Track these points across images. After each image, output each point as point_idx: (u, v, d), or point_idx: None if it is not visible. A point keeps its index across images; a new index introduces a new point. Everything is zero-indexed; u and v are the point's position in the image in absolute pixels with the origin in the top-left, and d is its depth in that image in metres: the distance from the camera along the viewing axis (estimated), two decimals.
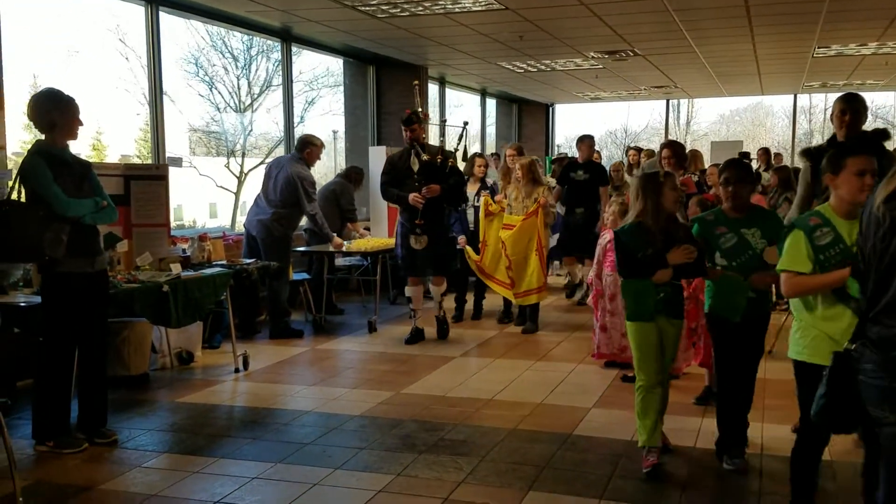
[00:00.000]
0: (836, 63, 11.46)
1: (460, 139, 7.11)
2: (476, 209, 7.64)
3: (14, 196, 4.16)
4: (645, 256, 3.73)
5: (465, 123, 7.21)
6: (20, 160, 4.32)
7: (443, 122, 7.16)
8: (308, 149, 7.15)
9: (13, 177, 4.25)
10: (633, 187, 3.89)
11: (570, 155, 11.95)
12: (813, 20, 8.45)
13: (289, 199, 7.03)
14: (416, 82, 7.37)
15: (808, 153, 4.60)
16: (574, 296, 8.97)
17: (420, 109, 6.85)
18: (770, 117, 31.88)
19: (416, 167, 6.64)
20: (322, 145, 7.38)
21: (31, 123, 4.31)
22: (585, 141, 8.75)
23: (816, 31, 9.01)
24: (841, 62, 11.38)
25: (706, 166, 8.50)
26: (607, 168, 9.48)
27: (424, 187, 6.54)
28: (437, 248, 6.75)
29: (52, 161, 4.16)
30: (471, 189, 7.74)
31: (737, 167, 3.88)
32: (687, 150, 7.82)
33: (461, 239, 7.66)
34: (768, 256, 3.70)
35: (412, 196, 6.55)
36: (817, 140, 29.56)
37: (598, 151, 11.92)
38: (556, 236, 8.97)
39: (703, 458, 4.08)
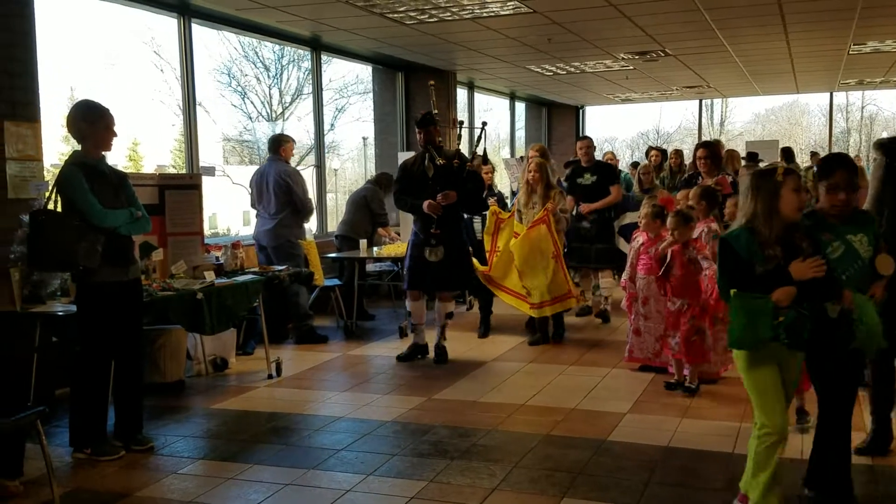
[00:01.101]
0: (872, 60, 11.24)
1: (479, 141, 6.63)
2: (483, 217, 7.19)
3: (51, 206, 4.23)
4: (766, 271, 3.10)
5: (484, 124, 6.78)
6: (57, 171, 4.39)
7: (460, 124, 6.81)
8: (282, 146, 7.22)
9: (50, 187, 4.33)
10: (743, 185, 3.35)
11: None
12: (848, 16, 8.29)
13: (285, 201, 7.04)
14: (432, 83, 6.94)
15: (882, 146, 4.07)
16: (586, 313, 8.09)
17: (436, 111, 6.46)
18: (806, 116, 31.45)
19: (430, 172, 6.17)
20: (293, 140, 7.43)
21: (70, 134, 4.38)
22: (583, 141, 8.08)
23: (852, 27, 8.85)
24: (878, 59, 11.16)
25: (741, 167, 8.38)
26: (635, 171, 9.21)
27: (440, 193, 6.06)
28: (453, 261, 6.22)
29: (88, 171, 4.22)
30: None
31: (848, 170, 3.32)
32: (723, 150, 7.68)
33: None
34: (881, 266, 3.29)
35: (427, 203, 6.07)
36: (854, 139, 29.04)
37: (611, 152, 11.43)
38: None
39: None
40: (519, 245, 6.64)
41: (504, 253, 6.86)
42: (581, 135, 16.84)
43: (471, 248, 6.95)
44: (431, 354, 6.47)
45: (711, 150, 6.85)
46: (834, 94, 15.81)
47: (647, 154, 10.61)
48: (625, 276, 6.03)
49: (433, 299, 6.69)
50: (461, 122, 6.80)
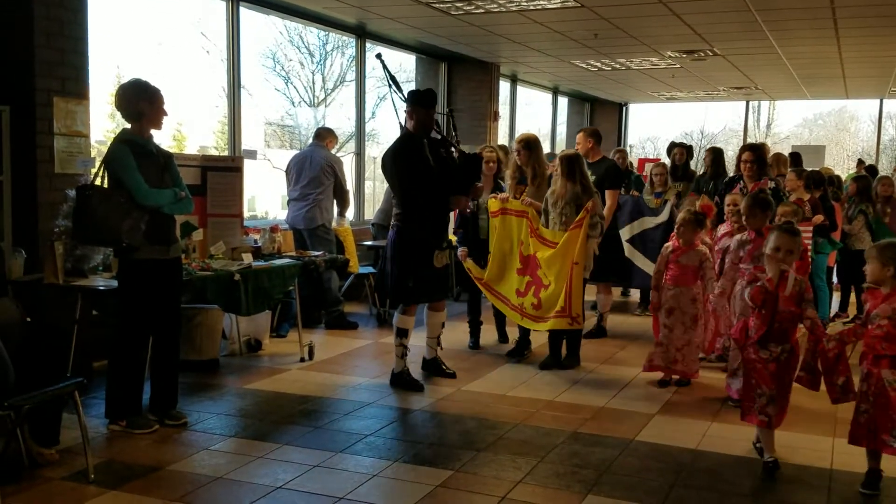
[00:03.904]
0: None
1: (454, 130, 5.62)
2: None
3: (98, 182, 4.32)
4: None
5: (451, 111, 5.93)
6: (102, 147, 4.47)
7: (450, 112, 6.02)
8: (328, 138, 7.50)
9: (97, 164, 4.41)
10: None
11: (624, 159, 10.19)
12: None
13: (328, 184, 7.26)
14: (379, 53, 5.64)
15: None
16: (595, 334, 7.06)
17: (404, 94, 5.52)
18: (855, 122, 30.74)
19: (432, 162, 5.24)
20: (337, 137, 7.83)
21: (119, 112, 4.45)
22: (581, 133, 7.11)
23: None
24: None
25: (788, 171, 8.18)
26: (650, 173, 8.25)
27: (475, 186, 5.36)
28: (451, 266, 5.53)
29: (136, 150, 4.30)
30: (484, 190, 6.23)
31: None
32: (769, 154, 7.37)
33: (461, 252, 6.27)
34: None
35: (462, 201, 5.34)
36: None
37: (621, 150, 9.36)
38: None
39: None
40: (550, 258, 5.72)
41: (498, 256, 6.08)
42: (622, 131, 16.75)
43: (465, 250, 6.28)
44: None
45: (758, 154, 6.44)
46: (884, 101, 15.46)
47: (668, 151, 8.87)
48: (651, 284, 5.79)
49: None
50: (451, 110, 6.28)
